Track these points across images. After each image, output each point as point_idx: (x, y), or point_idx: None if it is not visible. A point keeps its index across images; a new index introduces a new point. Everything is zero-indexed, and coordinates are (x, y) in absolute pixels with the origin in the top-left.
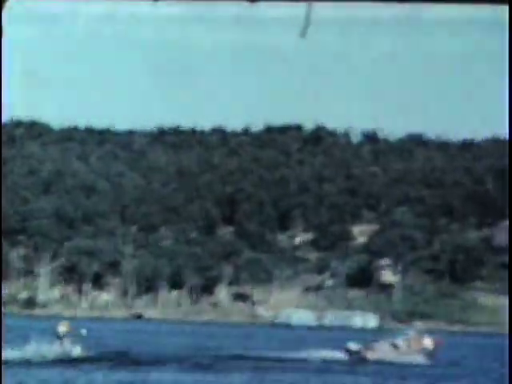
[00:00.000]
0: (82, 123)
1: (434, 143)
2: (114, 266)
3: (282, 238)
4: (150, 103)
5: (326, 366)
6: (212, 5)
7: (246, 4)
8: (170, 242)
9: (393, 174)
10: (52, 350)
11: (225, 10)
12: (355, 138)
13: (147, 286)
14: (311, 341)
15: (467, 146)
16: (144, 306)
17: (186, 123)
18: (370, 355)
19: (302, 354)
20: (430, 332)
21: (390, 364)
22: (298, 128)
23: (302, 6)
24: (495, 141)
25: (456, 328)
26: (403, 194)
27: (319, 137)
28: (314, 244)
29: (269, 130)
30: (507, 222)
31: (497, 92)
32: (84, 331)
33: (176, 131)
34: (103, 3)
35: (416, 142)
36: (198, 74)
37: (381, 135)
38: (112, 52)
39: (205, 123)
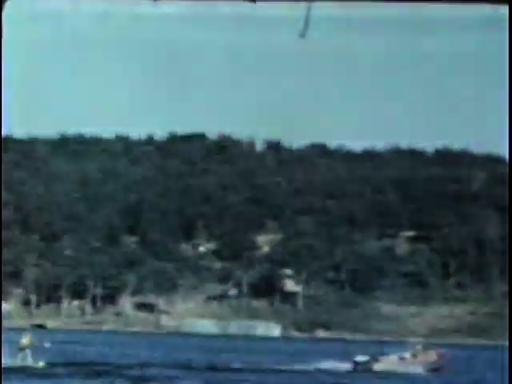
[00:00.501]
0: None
1: (337, 153)
2: (16, 276)
3: (185, 248)
4: (143, 107)
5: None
6: (212, 4)
7: (247, 4)
8: (72, 251)
9: (296, 184)
10: (14, 361)
11: (225, 9)
12: (259, 147)
13: (49, 295)
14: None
15: (368, 155)
16: (46, 315)
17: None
18: (377, 366)
19: (311, 366)
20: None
21: (394, 375)
22: (202, 137)
23: (303, 6)
24: (396, 151)
25: (358, 337)
26: (306, 204)
27: (223, 146)
28: (217, 253)
29: (173, 138)
30: (408, 233)
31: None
32: (48, 344)
33: (79, 139)
34: (103, 2)
35: (319, 151)
36: (192, 76)
37: (284, 145)
38: (108, 52)
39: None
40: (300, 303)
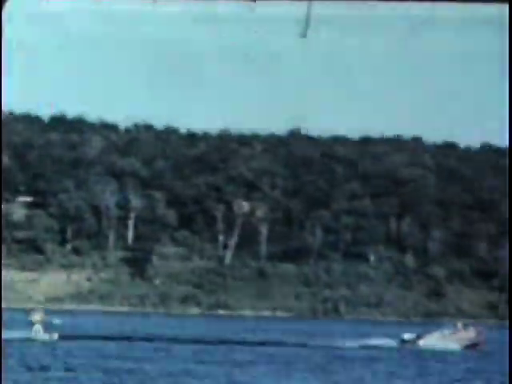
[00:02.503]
0: None
1: None
2: None
3: None
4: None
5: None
6: (212, 5)
7: (247, 4)
8: None
9: None
10: (25, 334)
11: (225, 9)
12: None
13: None
14: None
15: None
16: None
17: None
18: (422, 343)
19: (360, 342)
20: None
21: (436, 351)
22: None
23: (303, 5)
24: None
25: None
26: None
27: None
28: None
29: None
30: (25, 198)
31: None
32: (57, 320)
33: None
34: (103, 3)
35: None
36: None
37: None
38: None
39: None
40: None
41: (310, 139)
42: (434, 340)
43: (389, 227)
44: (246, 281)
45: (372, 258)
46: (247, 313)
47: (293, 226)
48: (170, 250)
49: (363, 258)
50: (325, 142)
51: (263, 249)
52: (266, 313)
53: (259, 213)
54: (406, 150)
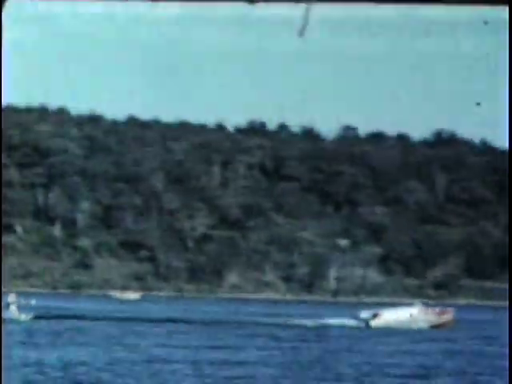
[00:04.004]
0: None
1: None
2: None
3: None
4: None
5: None
6: (212, 5)
7: (246, 5)
8: None
9: None
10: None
11: (225, 10)
12: None
13: None
14: None
15: None
16: None
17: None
18: (375, 323)
19: (323, 321)
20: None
21: (397, 329)
22: None
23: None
24: None
25: None
26: None
27: None
28: None
29: None
30: None
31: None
32: (33, 301)
33: None
34: (102, 3)
35: None
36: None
37: None
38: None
39: None
40: None
41: None
42: (391, 319)
43: (36, 198)
44: None
45: (19, 229)
46: None
47: None
48: None
49: (10, 229)
50: None
51: None
52: None
53: None
54: (52, 121)
